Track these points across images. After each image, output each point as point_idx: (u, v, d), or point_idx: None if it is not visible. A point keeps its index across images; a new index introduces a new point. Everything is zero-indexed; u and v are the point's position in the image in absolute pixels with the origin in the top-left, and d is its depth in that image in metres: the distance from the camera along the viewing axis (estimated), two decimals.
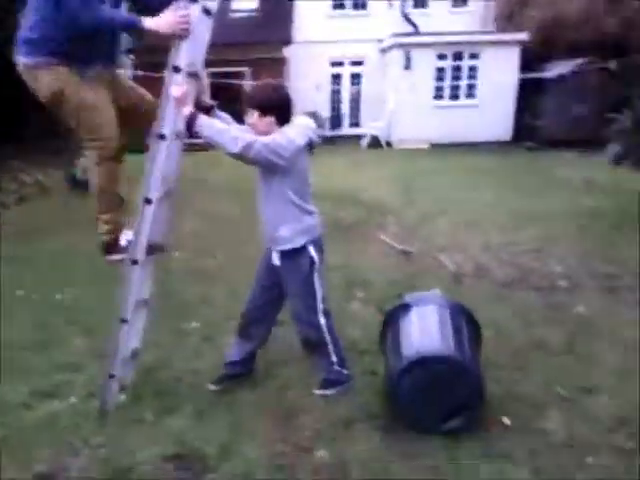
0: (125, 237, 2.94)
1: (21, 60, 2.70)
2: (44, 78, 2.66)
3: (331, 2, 18.25)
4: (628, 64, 14.49)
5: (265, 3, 18.33)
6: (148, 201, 2.56)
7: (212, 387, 3.16)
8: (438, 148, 15.34)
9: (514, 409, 2.89)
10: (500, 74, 15.92)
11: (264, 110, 2.76)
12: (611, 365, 3.35)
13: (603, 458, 2.53)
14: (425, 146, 15.81)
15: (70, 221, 7.27)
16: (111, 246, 2.89)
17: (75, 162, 2.29)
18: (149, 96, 3.02)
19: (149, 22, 2.50)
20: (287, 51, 17.68)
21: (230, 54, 15.02)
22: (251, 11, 18.26)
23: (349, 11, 18.46)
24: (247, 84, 16.45)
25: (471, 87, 16.55)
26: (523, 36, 16.18)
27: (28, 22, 2.66)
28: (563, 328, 3.89)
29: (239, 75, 17.04)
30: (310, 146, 2.82)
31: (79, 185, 2.53)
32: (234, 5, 17.80)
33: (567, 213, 7.25)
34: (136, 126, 2.84)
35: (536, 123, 15.86)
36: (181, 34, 2.41)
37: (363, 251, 5.90)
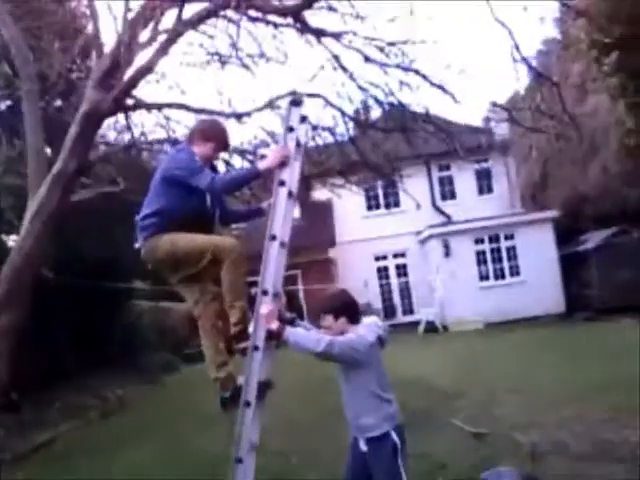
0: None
1: (142, 243, 3.24)
2: (161, 244, 3.18)
3: (364, 204, 19.82)
4: None
5: (306, 211, 20.04)
6: (248, 404, 2.94)
7: None
8: (493, 326, 15.52)
9: None
10: (538, 250, 16.62)
11: (336, 313, 3.24)
12: None
13: None
14: (480, 326, 16.01)
15: (150, 435, 7.67)
16: (241, 334, 3.11)
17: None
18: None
19: (261, 165, 3.13)
20: (333, 252, 18.96)
21: None
22: (294, 219, 19.87)
23: (383, 210, 20.05)
24: (301, 288, 17.49)
25: (513, 266, 17.21)
26: (552, 213, 17.22)
27: (146, 211, 3.24)
28: None
29: (291, 278, 18.13)
30: (380, 340, 3.23)
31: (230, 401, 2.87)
32: None
33: (636, 380, 7.14)
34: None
35: (586, 293, 16.12)
36: (284, 161, 2.97)
37: (437, 437, 5.92)
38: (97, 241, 11.54)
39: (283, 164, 3.01)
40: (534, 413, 6.40)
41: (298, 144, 3.07)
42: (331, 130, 9.68)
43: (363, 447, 3.22)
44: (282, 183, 3.02)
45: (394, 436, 3.15)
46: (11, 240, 10.93)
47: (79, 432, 8.71)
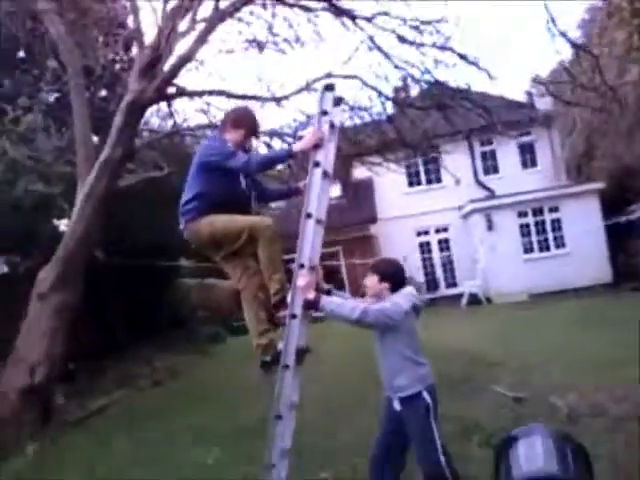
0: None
1: (185, 226, 3.52)
2: (201, 226, 3.45)
3: (405, 180, 19.74)
4: None
5: (347, 188, 20.15)
6: (287, 367, 3.23)
7: None
8: (538, 298, 15.44)
9: None
10: (584, 222, 16.33)
11: (383, 277, 3.48)
12: None
13: None
14: (525, 297, 15.91)
15: (200, 400, 8.19)
16: (280, 303, 3.38)
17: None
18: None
19: (295, 147, 3.35)
20: (374, 228, 19.06)
21: (324, 238, 16.39)
22: (336, 198, 20.08)
23: (424, 186, 19.96)
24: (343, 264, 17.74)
25: (558, 237, 17.00)
26: (598, 185, 16.85)
27: (186, 197, 3.52)
28: None
29: (334, 255, 18.39)
30: (415, 309, 3.43)
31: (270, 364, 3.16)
32: None
33: None
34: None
35: (633, 263, 15.84)
36: (318, 143, 3.17)
37: (477, 401, 6.12)
38: (145, 223, 12.00)
39: (317, 146, 3.20)
40: (574, 379, 6.49)
41: (332, 126, 3.26)
42: (368, 110, 9.80)
43: (397, 406, 3.45)
44: (317, 164, 3.23)
45: (426, 396, 3.37)
46: (63, 224, 11.48)
47: (131, 399, 9.23)
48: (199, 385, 9.63)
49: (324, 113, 3.25)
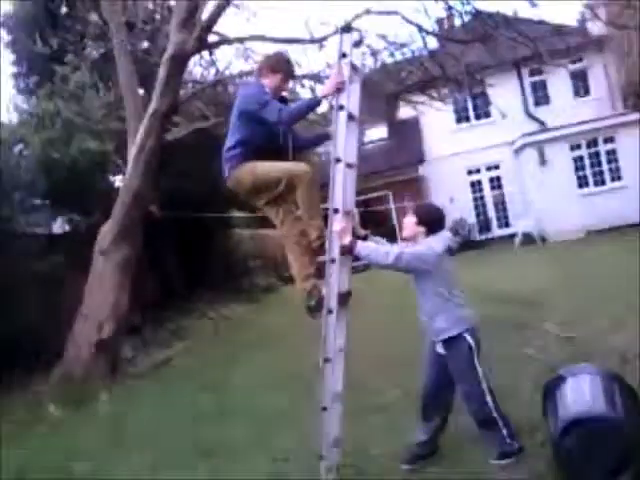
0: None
1: (228, 173, 3.57)
2: (243, 173, 3.50)
3: (453, 117, 19.22)
4: None
5: (393, 129, 19.76)
6: (330, 311, 3.29)
7: (405, 466, 3.68)
8: (594, 235, 14.96)
9: None
10: None
11: (420, 221, 3.51)
12: None
13: None
14: (580, 235, 15.43)
15: (260, 348, 8.47)
16: (320, 248, 3.44)
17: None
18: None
19: (321, 92, 3.44)
20: (422, 169, 18.75)
21: (370, 182, 16.31)
22: (382, 139, 19.78)
23: (473, 122, 19.35)
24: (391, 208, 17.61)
25: (614, 170, 16.31)
26: None
27: (228, 144, 3.57)
28: None
29: (382, 199, 18.24)
30: (449, 251, 3.44)
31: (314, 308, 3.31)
32: (366, 137, 19.43)
33: None
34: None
35: None
36: (340, 87, 3.19)
37: (529, 342, 6.04)
38: (195, 175, 12.19)
39: (339, 90, 3.20)
40: (630, 319, 6.26)
41: (354, 68, 3.23)
42: (408, 46, 9.53)
43: (440, 350, 3.50)
44: (341, 107, 3.21)
45: (468, 337, 3.40)
46: (118, 181, 11.79)
47: (193, 350, 9.64)
48: (258, 334, 9.91)
49: (343, 55, 3.22)
